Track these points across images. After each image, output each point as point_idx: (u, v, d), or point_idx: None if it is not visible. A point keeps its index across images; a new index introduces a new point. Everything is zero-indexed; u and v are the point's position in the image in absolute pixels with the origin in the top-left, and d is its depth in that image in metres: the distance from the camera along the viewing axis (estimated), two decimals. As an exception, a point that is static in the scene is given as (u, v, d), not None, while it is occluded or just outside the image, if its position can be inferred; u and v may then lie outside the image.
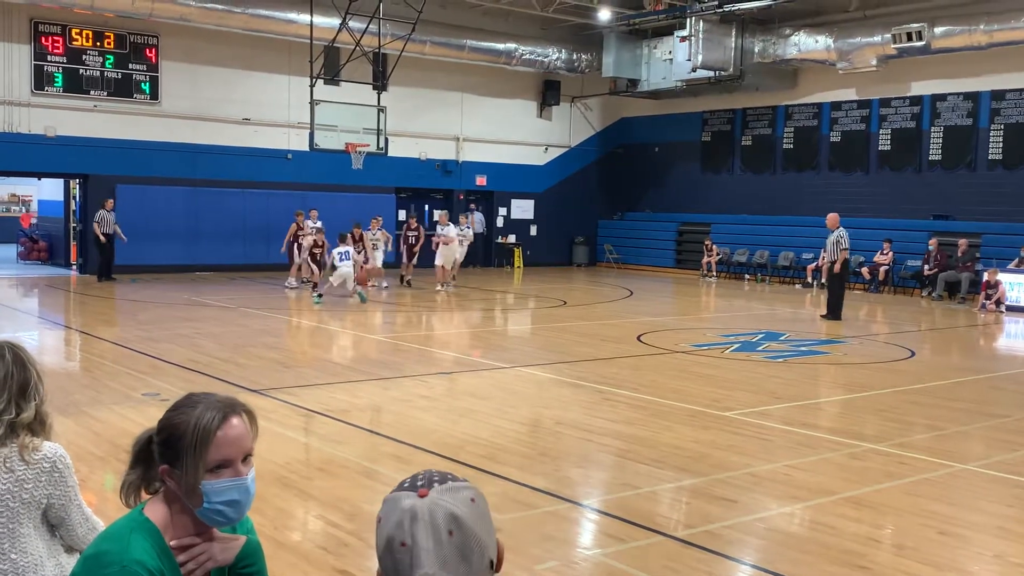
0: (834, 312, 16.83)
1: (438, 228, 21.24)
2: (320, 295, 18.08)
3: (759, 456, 7.43)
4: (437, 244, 20.91)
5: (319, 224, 20.95)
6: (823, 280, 18.29)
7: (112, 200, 21.68)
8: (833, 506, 6.17)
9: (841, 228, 16.80)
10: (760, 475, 6.89)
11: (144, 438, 2.16)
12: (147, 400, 8.82)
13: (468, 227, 22.21)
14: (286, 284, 20.46)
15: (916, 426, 8.78)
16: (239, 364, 11.11)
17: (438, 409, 9.00)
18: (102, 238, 21.21)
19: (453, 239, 21.07)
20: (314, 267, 19.76)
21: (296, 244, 20.69)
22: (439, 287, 20.15)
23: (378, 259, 21.04)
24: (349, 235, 19.48)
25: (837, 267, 16.61)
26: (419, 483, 1.51)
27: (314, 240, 19.62)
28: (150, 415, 7.53)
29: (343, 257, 18.58)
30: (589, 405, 9.27)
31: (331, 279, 18.55)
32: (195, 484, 2.03)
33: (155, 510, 2.08)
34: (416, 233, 22.12)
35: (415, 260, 22.02)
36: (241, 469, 2.07)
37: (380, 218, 22.00)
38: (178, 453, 2.03)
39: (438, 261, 20.64)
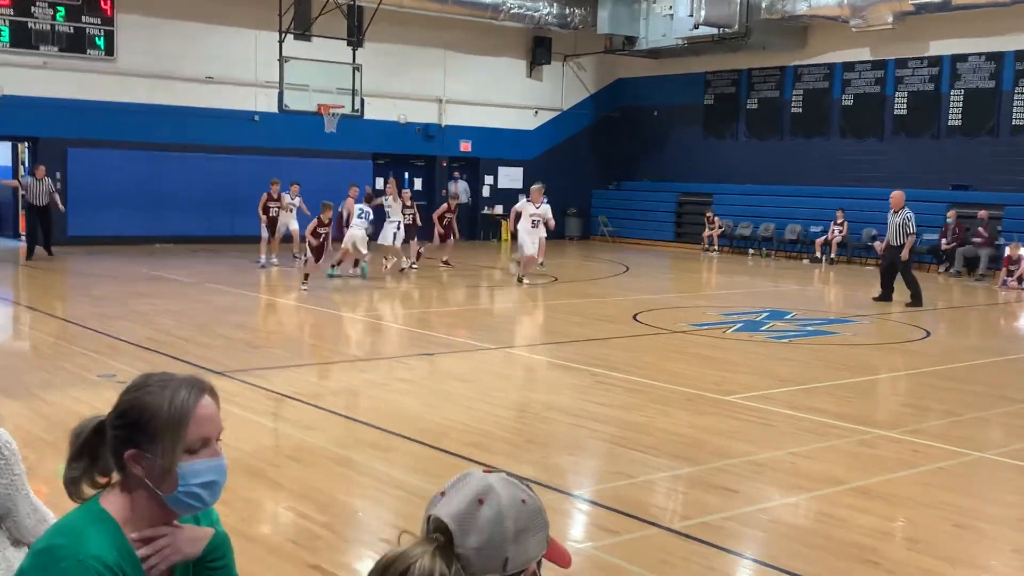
0: (917, 298, 16.07)
1: (527, 207, 18.29)
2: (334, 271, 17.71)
3: (762, 443, 7.47)
4: (537, 223, 18.08)
5: (297, 201, 20.20)
6: (881, 265, 16.98)
7: (43, 167, 20.48)
8: (841, 496, 6.21)
9: (907, 209, 16.27)
10: (762, 463, 6.94)
11: (89, 427, 2.13)
12: (102, 382, 8.79)
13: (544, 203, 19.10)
14: (258, 261, 19.73)
15: (931, 411, 8.84)
16: (202, 344, 11.08)
17: (419, 393, 9.01)
18: (37, 200, 19.88)
19: (551, 220, 18.71)
20: (310, 254, 17.07)
21: (267, 216, 19.92)
22: (524, 280, 17.68)
23: (394, 236, 18.91)
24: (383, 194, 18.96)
25: (905, 254, 16.16)
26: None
27: (319, 220, 16.96)
28: (106, 398, 7.48)
29: (360, 215, 17.59)
30: (581, 389, 9.30)
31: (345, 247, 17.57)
32: (171, 466, 2.03)
33: (113, 501, 2.07)
34: (452, 218, 21.04)
35: (452, 240, 20.74)
36: (217, 448, 2.10)
37: (395, 185, 20.06)
38: (152, 434, 2.03)
39: (528, 250, 17.94)
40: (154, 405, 2.05)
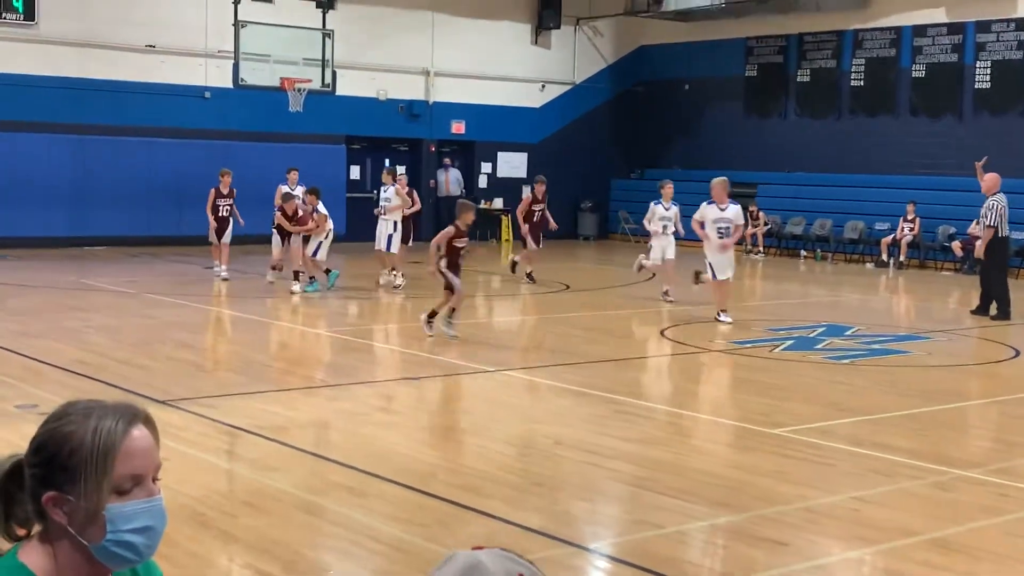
0: (1002, 309, 15.87)
1: (663, 210, 17.03)
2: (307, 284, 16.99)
3: (818, 485, 7.46)
4: (725, 232, 15.53)
5: (299, 191, 18.23)
6: (976, 266, 17.15)
7: None
8: (914, 550, 6.20)
9: (999, 195, 16.00)
10: (818, 510, 6.92)
11: (4, 468, 2.13)
12: (22, 413, 8.78)
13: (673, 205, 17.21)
14: (215, 270, 18.92)
15: (1021, 447, 8.81)
16: (142, 366, 11.07)
17: (402, 426, 9.00)
18: None
19: (742, 225, 16.19)
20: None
21: (216, 216, 18.80)
22: (724, 315, 15.07)
23: (389, 240, 17.91)
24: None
25: (979, 250, 16.03)
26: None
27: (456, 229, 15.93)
28: (26, 433, 7.47)
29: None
30: (597, 420, 9.29)
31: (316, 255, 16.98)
32: (96, 509, 2.02)
33: (33, 555, 2.06)
34: (542, 209, 19.39)
35: (540, 245, 19.51)
36: (153, 487, 2.09)
37: (396, 171, 19.27)
38: (73, 472, 2.03)
39: (727, 272, 15.38)
40: (75, 437, 2.04)
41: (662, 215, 17.11)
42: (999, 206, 16.00)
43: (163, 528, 2.12)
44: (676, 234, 17.12)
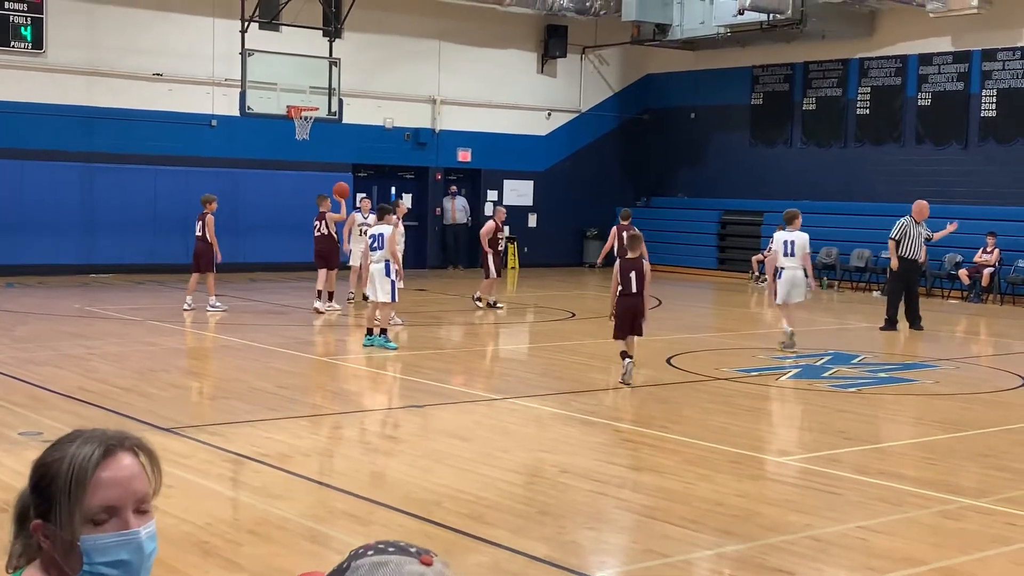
0: (889, 321, 17.77)
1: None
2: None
3: (824, 514, 7.45)
4: None
5: (371, 219, 17.08)
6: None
7: None
8: (921, 580, 6.18)
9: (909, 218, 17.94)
10: (825, 539, 6.91)
11: (25, 498, 2.14)
12: (25, 441, 8.80)
13: None
14: (209, 305, 18.23)
15: (1029, 476, 8.79)
16: (146, 394, 11.09)
17: (407, 454, 9.00)
18: None
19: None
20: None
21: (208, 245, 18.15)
22: None
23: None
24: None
25: (894, 262, 17.66)
26: (412, 550, 1.66)
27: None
28: (29, 460, 7.50)
29: (376, 243, 14.66)
30: (603, 448, 9.28)
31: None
32: (72, 540, 2.01)
33: (31, 580, 2.06)
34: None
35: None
36: (131, 519, 2.05)
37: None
38: (51, 500, 2.02)
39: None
40: (54, 466, 2.04)
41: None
42: (897, 222, 17.94)
43: (142, 563, 2.07)
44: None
